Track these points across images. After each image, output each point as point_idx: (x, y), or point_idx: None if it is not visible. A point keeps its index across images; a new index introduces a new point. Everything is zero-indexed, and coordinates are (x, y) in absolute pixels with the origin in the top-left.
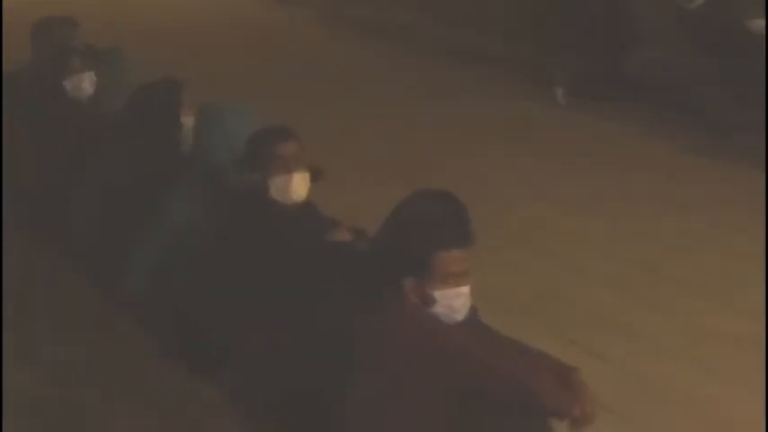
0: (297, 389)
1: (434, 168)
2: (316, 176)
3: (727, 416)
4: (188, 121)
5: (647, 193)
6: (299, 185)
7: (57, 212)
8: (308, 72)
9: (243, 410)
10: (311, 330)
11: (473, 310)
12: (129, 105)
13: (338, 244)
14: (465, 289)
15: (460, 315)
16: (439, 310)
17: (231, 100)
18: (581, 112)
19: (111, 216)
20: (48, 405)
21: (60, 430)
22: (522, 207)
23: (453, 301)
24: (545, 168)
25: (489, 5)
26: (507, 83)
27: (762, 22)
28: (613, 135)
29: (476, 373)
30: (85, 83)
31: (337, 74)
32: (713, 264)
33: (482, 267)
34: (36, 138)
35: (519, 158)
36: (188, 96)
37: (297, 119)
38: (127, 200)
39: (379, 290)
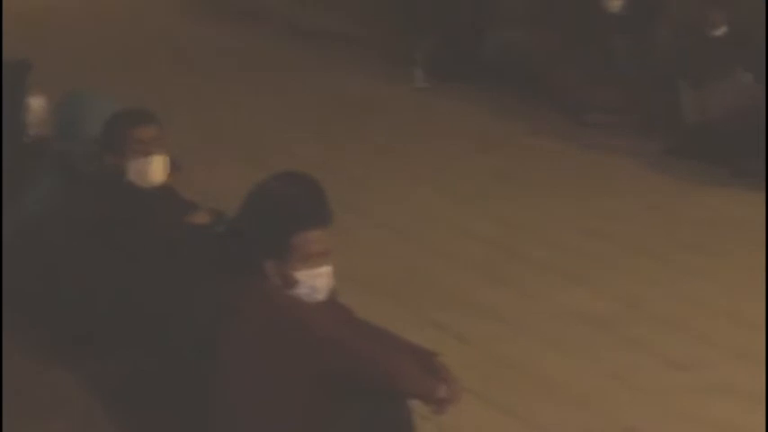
0: (157, 374)
1: (293, 151)
2: (174, 169)
3: (584, 393)
4: (36, 102)
5: (506, 174)
6: (157, 168)
7: None
8: (163, 54)
9: (103, 395)
10: (171, 315)
11: (333, 293)
12: None
13: (197, 227)
14: (326, 269)
15: (322, 295)
16: (301, 290)
17: (89, 86)
18: (440, 93)
19: None
20: None
21: None
22: (382, 189)
23: (315, 281)
24: (404, 150)
25: None
26: (367, 65)
27: (618, 3)
28: (472, 116)
29: (336, 356)
30: None
31: (192, 56)
32: (571, 244)
33: (344, 250)
34: None
35: (378, 140)
36: (40, 79)
37: (151, 102)
38: None
39: (240, 272)
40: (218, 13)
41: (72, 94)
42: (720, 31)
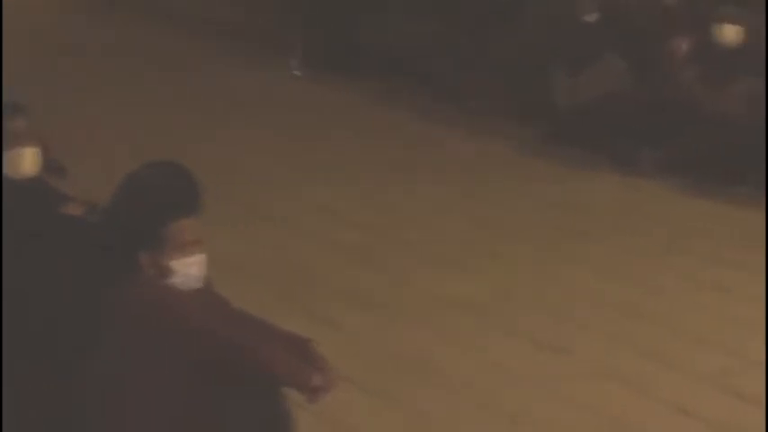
0: (31, 367)
1: (174, 141)
2: (59, 173)
3: (464, 379)
4: None
5: (389, 161)
6: (30, 160)
7: None
8: (44, 48)
9: None
10: (45, 305)
11: (208, 283)
12: None
13: (70, 218)
14: (200, 257)
15: (197, 283)
16: (176, 279)
17: None
18: (318, 82)
19: None
20: None
21: None
22: (260, 178)
23: (189, 270)
24: (286, 140)
25: None
26: (246, 53)
27: None
28: (351, 105)
29: (210, 345)
30: None
31: (73, 46)
32: (451, 231)
33: (225, 241)
34: None
35: (259, 131)
36: None
37: (35, 96)
38: None
39: (114, 264)
40: (100, 6)
41: None
42: (592, 16)
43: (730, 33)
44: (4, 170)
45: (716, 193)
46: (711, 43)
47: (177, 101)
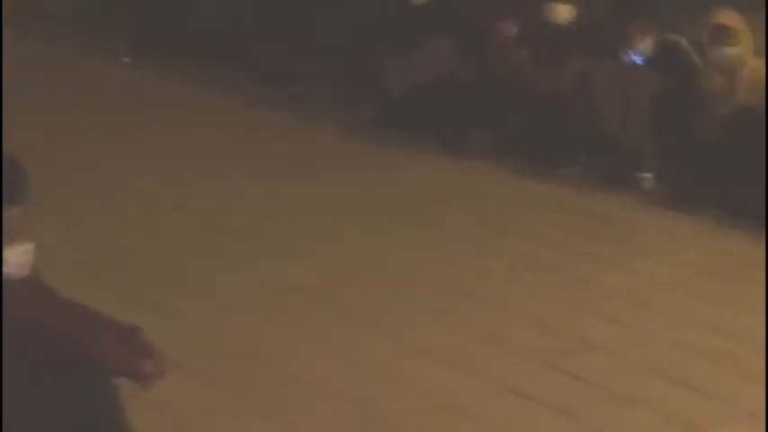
0: None
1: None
2: None
3: (299, 364)
4: None
5: (212, 147)
6: None
7: None
8: None
9: None
10: None
11: (38, 272)
12: None
13: None
14: (27, 246)
15: (23, 271)
16: (3, 268)
17: None
18: (146, 69)
19: None
20: None
21: None
22: (86, 166)
23: (16, 259)
24: (110, 127)
25: None
26: (75, 40)
27: None
28: (177, 92)
29: (37, 334)
30: None
31: None
32: (284, 216)
33: (47, 228)
34: None
35: (86, 117)
36: None
37: None
38: None
39: None
40: None
41: None
42: (420, 0)
43: (562, 12)
44: None
45: (546, 175)
46: (542, 23)
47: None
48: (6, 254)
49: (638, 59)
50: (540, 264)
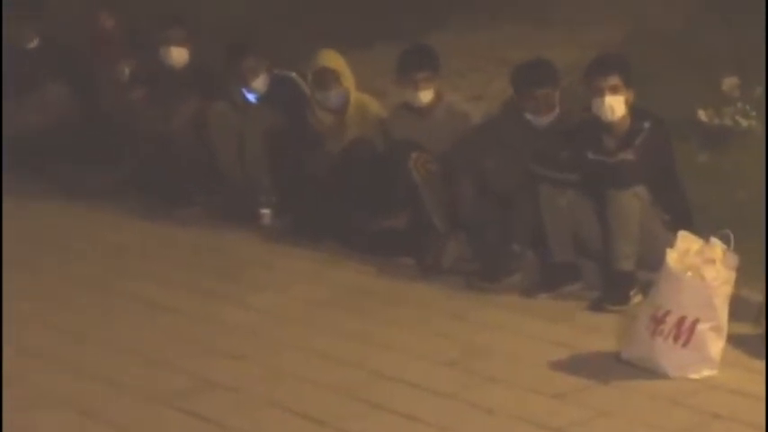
0: None
1: None
2: None
3: None
4: None
5: None
6: None
7: None
8: None
9: None
10: None
11: None
12: None
13: None
14: None
15: None
16: None
17: None
18: None
19: None
20: None
21: None
22: None
23: None
24: None
25: None
26: None
27: None
28: None
29: None
30: None
31: None
32: None
33: None
34: None
35: None
36: None
37: None
38: None
39: None
40: None
41: None
42: (34, 43)
43: (175, 54)
44: None
45: (164, 215)
46: (156, 64)
47: None
48: None
49: (252, 97)
50: (158, 303)
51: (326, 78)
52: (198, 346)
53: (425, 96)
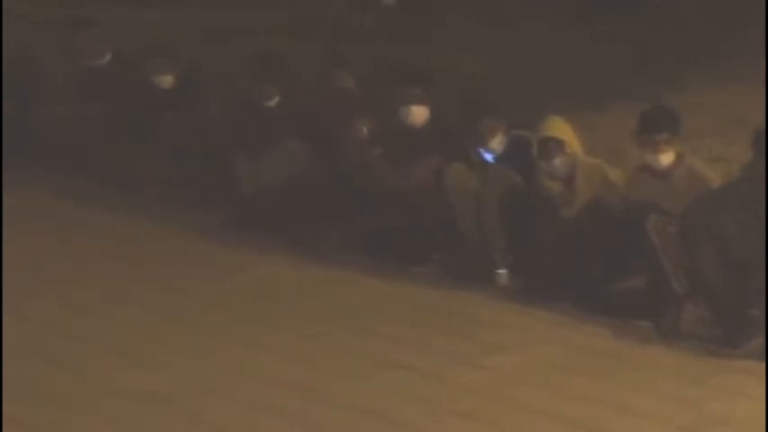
0: None
1: None
2: None
3: None
4: None
5: (42, 247)
6: None
7: None
8: None
9: None
10: None
11: None
12: None
13: None
14: None
15: None
16: None
17: None
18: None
19: None
20: None
21: None
22: None
23: None
24: None
25: None
26: None
27: (169, 78)
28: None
29: None
30: None
31: None
32: (130, 322)
33: None
34: None
35: None
36: None
37: None
38: None
39: None
40: None
41: None
42: (273, 101)
43: (415, 114)
44: None
45: (399, 274)
46: (396, 123)
47: None
48: None
49: (489, 157)
50: (391, 362)
51: (550, 148)
52: (429, 405)
53: (666, 159)
